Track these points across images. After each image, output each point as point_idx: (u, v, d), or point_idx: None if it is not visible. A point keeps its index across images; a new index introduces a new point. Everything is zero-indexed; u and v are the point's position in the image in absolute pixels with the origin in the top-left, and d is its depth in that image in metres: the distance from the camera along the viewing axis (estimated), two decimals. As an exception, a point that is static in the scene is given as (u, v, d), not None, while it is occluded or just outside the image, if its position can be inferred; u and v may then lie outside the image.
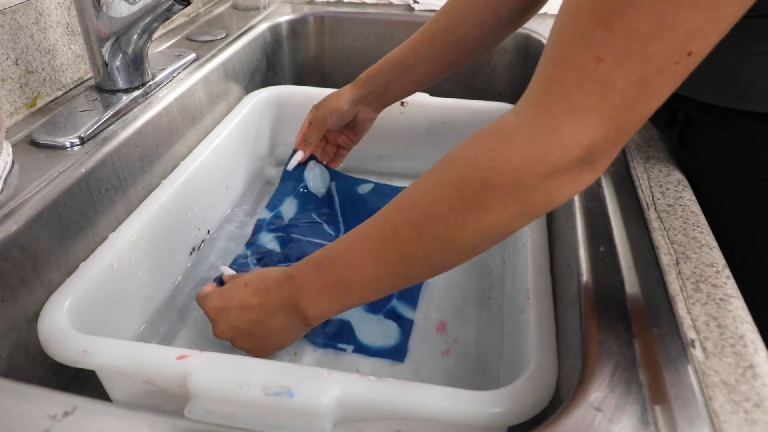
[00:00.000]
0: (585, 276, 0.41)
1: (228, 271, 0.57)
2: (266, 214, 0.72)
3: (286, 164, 0.73)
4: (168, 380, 0.41)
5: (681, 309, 0.37)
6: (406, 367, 0.55)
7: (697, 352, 0.34)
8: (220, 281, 0.56)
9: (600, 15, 0.32)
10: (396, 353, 0.56)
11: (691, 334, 0.35)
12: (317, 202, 0.74)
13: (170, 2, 0.55)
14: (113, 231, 0.55)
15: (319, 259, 0.47)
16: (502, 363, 0.53)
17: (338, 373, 0.40)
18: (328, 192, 0.75)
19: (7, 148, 0.52)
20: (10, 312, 0.45)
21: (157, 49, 0.76)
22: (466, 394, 0.38)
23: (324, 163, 0.75)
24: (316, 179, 0.75)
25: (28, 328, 0.47)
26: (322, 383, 0.39)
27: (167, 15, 0.57)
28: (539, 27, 0.88)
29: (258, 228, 0.70)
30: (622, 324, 0.37)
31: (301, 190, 0.73)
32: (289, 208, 0.73)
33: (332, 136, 0.74)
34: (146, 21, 0.58)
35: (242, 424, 0.40)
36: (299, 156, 0.72)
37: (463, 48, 0.64)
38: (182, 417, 0.35)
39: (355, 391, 0.39)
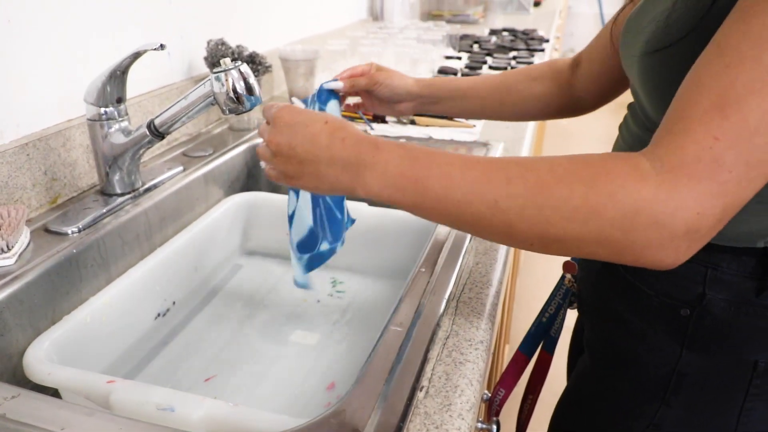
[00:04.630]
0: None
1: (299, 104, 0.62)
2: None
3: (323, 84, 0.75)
4: (98, 397, 0.61)
5: (428, 367, 0.55)
6: (296, 411, 0.73)
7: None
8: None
9: (718, 105, 0.41)
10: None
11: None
12: None
13: (149, 138, 0.79)
14: (93, 295, 0.76)
15: (416, 152, 0.49)
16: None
17: (210, 399, 0.59)
18: None
19: (26, 233, 0.75)
20: (5, 345, 0.67)
21: (155, 162, 1.01)
22: (280, 419, 0.56)
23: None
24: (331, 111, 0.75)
25: (18, 358, 0.68)
26: (195, 404, 0.58)
27: (149, 145, 0.82)
28: (458, 152, 1.09)
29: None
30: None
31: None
32: None
33: (363, 94, 0.81)
34: (135, 148, 0.82)
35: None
36: (339, 85, 0.75)
37: (509, 108, 0.81)
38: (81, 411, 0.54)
39: (216, 411, 0.57)
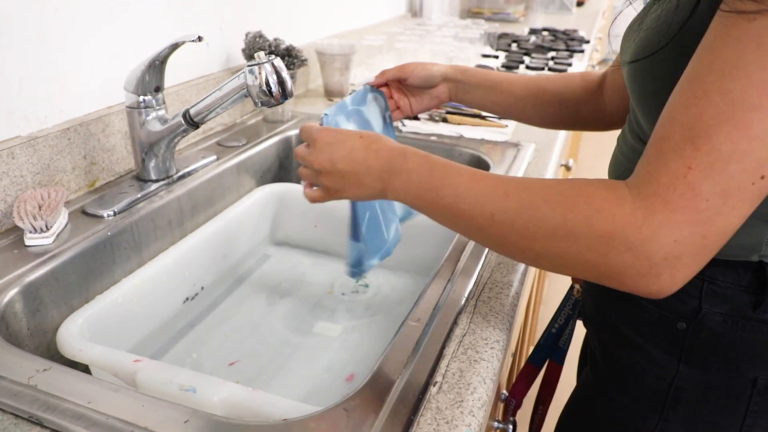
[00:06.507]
0: (400, 337, 0.61)
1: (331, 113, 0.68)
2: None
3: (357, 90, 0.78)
4: (125, 375, 0.63)
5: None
6: (315, 401, 0.75)
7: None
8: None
9: (688, 137, 0.42)
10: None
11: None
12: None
13: (185, 127, 0.82)
14: (125, 277, 0.79)
15: (434, 162, 0.55)
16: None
17: (230, 383, 0.61)
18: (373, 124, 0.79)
19: (65, 214, 0.78)
20: (41, 320, 0.70)
21: (190, 150, 1.03)
22: (296, 406, 0.57)
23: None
24: (373, 110, 0.79)
25: (52, 334, 0.71)
26: (216, 387, 0.60)
27: (184, 134, 0.84)
28: (489, 152, 1.09)
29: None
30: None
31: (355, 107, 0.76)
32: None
33: (400, 95, 0.83)
34: (170, 136, 0.85)
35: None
36: (370, 79, 0.79)
37: (539, 109, 0.81)
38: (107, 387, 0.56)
39: (235, 395, 0.59)
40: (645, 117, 0.57)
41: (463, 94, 0.83)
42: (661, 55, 0.52)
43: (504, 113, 0.85)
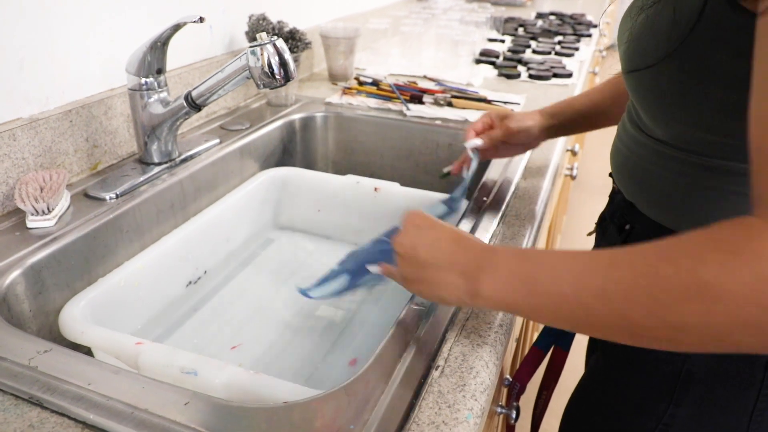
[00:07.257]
0: (402, 321, 0.60)
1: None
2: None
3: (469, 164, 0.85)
4: (127, 357, 0.63)
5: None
6: (317, 384, 0.74)
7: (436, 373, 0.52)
8: None
9: None
10: None
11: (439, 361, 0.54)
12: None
13: (187, 109, 0.81)
14: (127, 260, 0.79)
15: (528, 252, 0.51)
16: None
17: (232, 366, 0.60)
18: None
19: (66, 196, 0.78)
20: (43, 302, 0.70)
21: (193, 133, 1.03)
22: (297, 389, 0.57)
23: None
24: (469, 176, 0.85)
25: (54, 316, 0.71)
26: (217, 370, 0.60)
27: (186, 116, 0.83)
28: (496, 138, 1.08)
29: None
30: (406, 352, 0.56)
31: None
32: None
33: (497, 148, 0.87)
34: (173, 119, 0.84)
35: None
36: (478, 142, 0.83)
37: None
38: (108, 369, 0.56)
39: (237, 378, 0.59)
40: (648, 115, 0.56)
41: (559, 133, 0.88)
42: (664, 64, 0.50)
43: (601, 127, 0.87)
